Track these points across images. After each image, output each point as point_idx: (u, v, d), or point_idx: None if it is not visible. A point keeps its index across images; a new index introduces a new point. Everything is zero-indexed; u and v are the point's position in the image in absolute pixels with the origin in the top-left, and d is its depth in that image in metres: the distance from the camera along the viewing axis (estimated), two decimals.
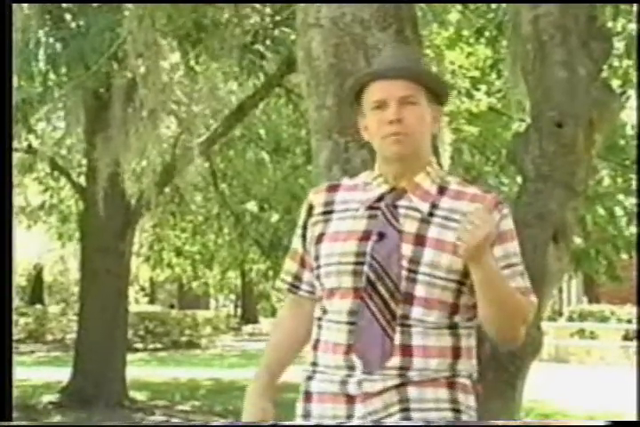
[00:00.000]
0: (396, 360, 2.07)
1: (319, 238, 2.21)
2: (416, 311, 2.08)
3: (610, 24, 5.36)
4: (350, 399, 2.09)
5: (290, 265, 2.32)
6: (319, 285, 2.20)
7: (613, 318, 18.91)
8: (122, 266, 10.32)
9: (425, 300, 2.09)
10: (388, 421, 2.07)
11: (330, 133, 2.97)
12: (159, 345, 19.83)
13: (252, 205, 12.95)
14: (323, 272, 2.18)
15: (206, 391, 11.82)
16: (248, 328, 27.66)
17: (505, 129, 9.17)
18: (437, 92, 2.22)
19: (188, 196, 12.54)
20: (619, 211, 7.37)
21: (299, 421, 2.19)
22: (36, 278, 27.86)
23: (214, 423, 9.18)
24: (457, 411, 2.11)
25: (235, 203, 12.63)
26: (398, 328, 2.07)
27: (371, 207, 2.17)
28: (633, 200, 7.31)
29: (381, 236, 2.12)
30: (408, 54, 2.29)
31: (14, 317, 19.90)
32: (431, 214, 2.13)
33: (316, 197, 2.28)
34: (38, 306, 23.45)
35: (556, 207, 2.95)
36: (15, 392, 9.85)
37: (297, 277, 2.30)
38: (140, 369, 13.52)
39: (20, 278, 27.35)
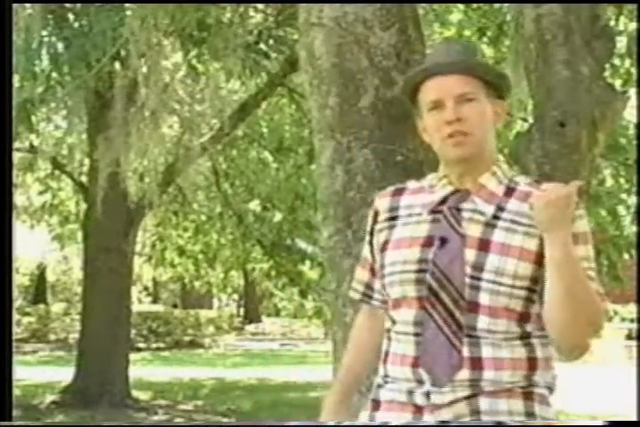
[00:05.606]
0: (465, 373, 1.92)
1: (384, 246, 2.08)
2: (482, 321, 1.94)
3: (612, 23, 5.34)
4: (418, 410, 1.97)
5: (361, 274, 2.21)
6: (386, 295, 2.09)
7: (616, 317, 18.90)
8: (124, 265, 10.33)
9: (490, 308, 1.94)
10: None
11: (332, 133, 2.97)
12: (162, 345, 19.85)
13: (254, 205, 12.95)
14: (387, 282, 2.06)
15: (209, 391, 11.82)
16: (251, 328, 27.66)
17: (507, 128, 9.15)
18: (496, 85, 2.06)
19: (190, 195, 12.53)
20: (622, 210, 7.34)
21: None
22: (40, 278, 27.89)
23: (219, 423, 9.18)
24: None
25: (237, 202, 12.63)
26: (466, 339, 1.93)
27: (433, 211, 2.03)
28: (635, 199, 7.30)
29: (443, 241, 1.98)
30: (462, 47, 2.09)
31: (17, 316, 19.94)
32: (496, 217, 1.98)
33: (381, 203, 2.15)
34: (41, 306, 23.47)
35: None
36: (18, 392, 9.88)
37: (369, 287, 2.19)
38: (143, 369, 13.52)
39: (23, 278, 27.38)
